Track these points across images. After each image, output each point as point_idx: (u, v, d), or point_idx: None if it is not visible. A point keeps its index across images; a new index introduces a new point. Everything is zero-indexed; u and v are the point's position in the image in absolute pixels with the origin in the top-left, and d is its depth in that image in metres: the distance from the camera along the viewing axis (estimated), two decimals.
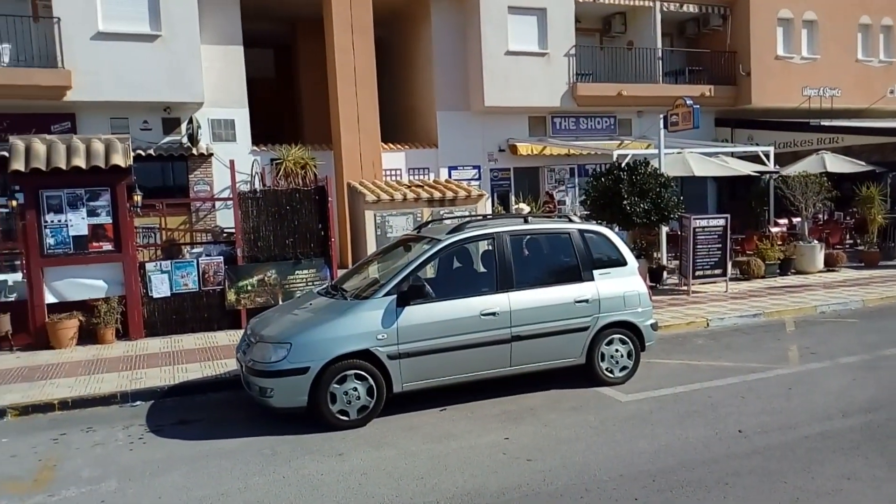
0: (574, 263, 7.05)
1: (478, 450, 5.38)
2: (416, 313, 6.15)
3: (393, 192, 14.02)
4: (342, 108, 16.31)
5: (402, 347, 6.06)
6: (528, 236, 7.27)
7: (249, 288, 10.04)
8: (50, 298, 9.19)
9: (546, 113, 19.37)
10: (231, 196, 10.29)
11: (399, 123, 19.87)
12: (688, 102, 13.78)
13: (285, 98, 21.25)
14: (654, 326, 7.40)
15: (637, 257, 9.92)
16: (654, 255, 13.54)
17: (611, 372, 7.04)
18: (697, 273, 12.20)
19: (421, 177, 17.87)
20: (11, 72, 13.98)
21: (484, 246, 7.18)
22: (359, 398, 5.93)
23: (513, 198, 18.99)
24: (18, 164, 8.86)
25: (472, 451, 5.36)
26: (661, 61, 20.16)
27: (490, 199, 18.68)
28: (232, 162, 10.76)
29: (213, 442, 5.76)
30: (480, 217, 8.98)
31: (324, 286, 7.70)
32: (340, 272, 9.21)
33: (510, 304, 6.52)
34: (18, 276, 9.85)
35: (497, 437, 5.65)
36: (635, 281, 7.27)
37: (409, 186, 15.03)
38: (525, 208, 14.22)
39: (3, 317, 9.00)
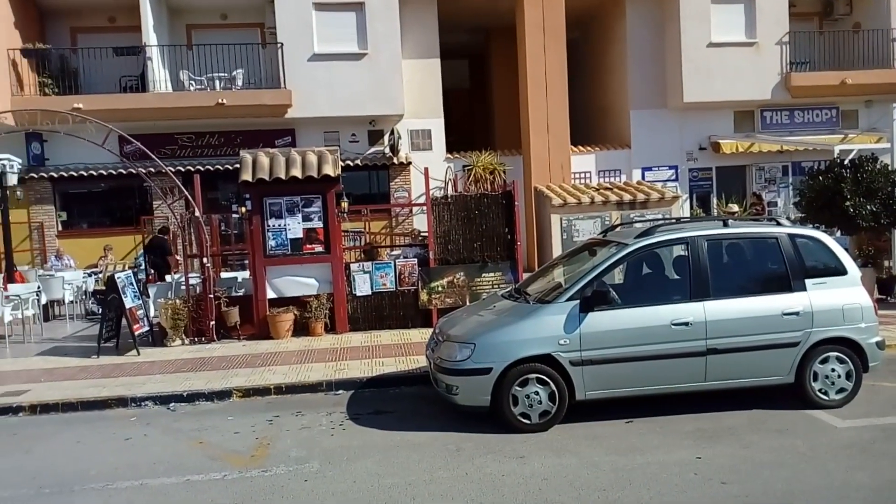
0: (782, 271, 6.40)
1: (666, 467, 5.09)
2: (600, 320, 5.98)
3: (580, 196, 13.80)
4: (532, 113, 16.41)
5: (585, 354, 5.93)
6: (729, 241, 6.74)
7: (440, 289, 10.48)
8: (270, 294, 10.32)
9: (754, 107, 17.88)
10: (425, 202, 10.81)
11: (589, 125, 19.51)
12: None
13: (478, 106, 21.87)
14: (881, 345, 6.46)
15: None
16: (885, 263, 11.84)
17: (825, 394, 6.28)
18: None
19: (611, 179, 17.40)
20: (244, 94, 15.99)
21: (676, 251, 6.78)
22: (540, 402, 5.90)
23: (714, 199, 17.77)
24: (247, 175, 10.09)
25: (660, 467, 5.09)
26: (895, 43, 17.62)
27: (688, 202, 17.65)
28: (426, 169, 11.31)
29: (403, 433, 6.09)
30: (674, 220, 8.51)
31: (508, 289, 7.79)
32: (526, 276, 9.25)
33: (705, 314, 6.09)
34: (246, 274, 11.21)
35: (688, 455, 5.31)
36: (857, 292, 6.42)
37: (597, 189, 14.70)
38: (736, 209, 13.23)
39: (233, 309, 10.29)
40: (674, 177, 17.87)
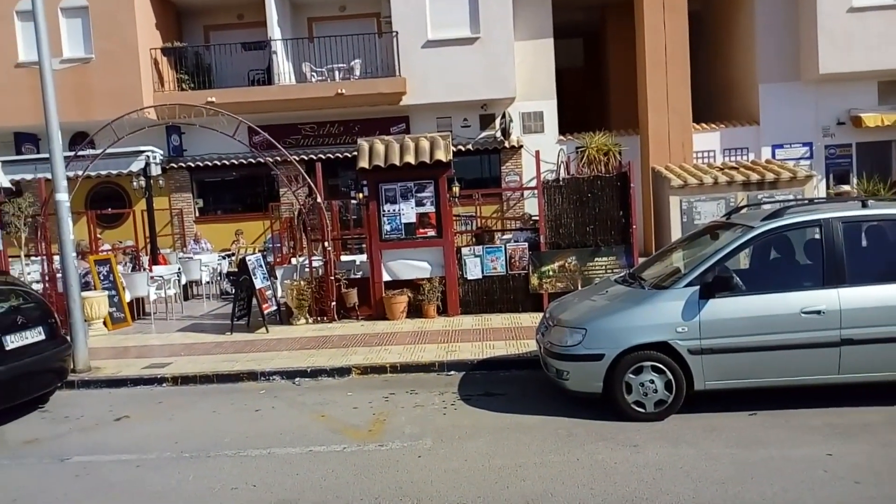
0: None
1: (792, 462, 4.81)
2: (722, 307, 5.70)
3: (702, 176, 13.16)
4: (650, 91, 15.79)
5: (705, 343, 5.68)
6: (868, 223, 6.20)
7: (551, 273, 10.39)
8: (386, 277, 10.67)
9: None
10: (535, 185, 10.72)
11: (713, 101, 18.49)
12: None
13: (593, 85, 21.32)
14: None
15: None
16: None
17: None
18: None
19: (737, 158, 16.43)
20: (361, 83, 16.49)
21: (808, 234, 6.32)
22: (656, 391, 5.74)
23: (854, 179, 16.36)
24: (364, 162, 10.44)
25: (785, 462, 4.81)
26: None
27: (824, 181, 16.38)
28: (537, 152, 11.20)
29: (513, 416, 6.13)
30: (806, 201, 7.93)
31: (621, 274, 7.60)
32: (641, 260, 8.97)
33: (840, 302, 5.65)
34: (364, 258, 11.64)
35: (817, 451, 4.98)
36: None
37: (721, 169, 13.95)
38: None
39: (352, 291, 10.74)
40: (808, 154, 16.61)
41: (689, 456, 5.02)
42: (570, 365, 5.97)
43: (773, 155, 16.48)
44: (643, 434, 5.49)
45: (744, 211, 7.36)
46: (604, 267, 10.26)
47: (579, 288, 9.74)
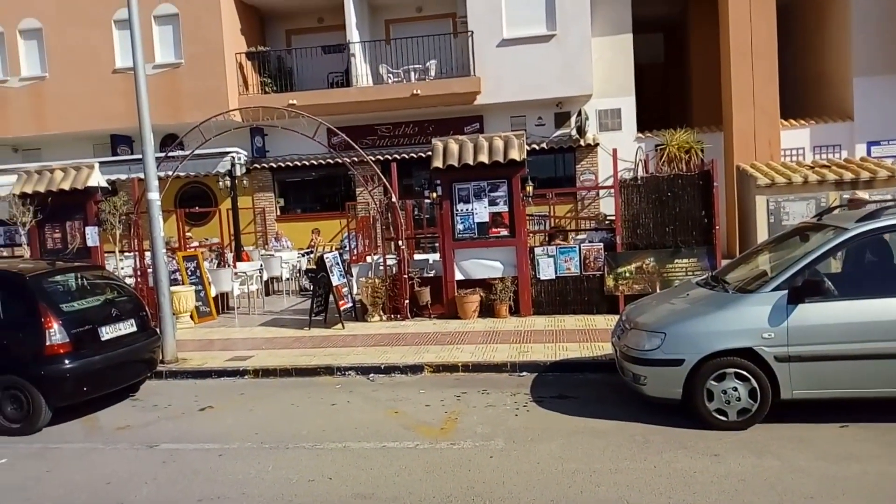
0: None
1: (888, 478, 4.51)
2: (812, 312, 5.41)
3: (791, 175, 12.54)
4: (735, 85, 15.17)
5: (793, 350, 5.40)
6: None
7: (627, 275, 10.14)
8: (458, 276, 10.70)
9: None
10: (612, 184, 10.49)
11: (802, 96, 17.57)
12: None
13: (674, 81, 20.69)
14: None
15: None
16: None
17: None
18: None
19: (829, 155, 15.56)
20: (436, 83, 16.60)
21: None
22: (739, 399, 5.50)
23: None
24: (438, 162, 10.51)
25: (880, 478, 4.52)
26: None
27: None
28: (614, 150, 10.96)
29: (587, 420, 6.03)
30: None
31: (703, 276, 7.33)
32: (724, 262, 8.64)
33: None
34: (436, 256, 11.72)
35: None
36: None
37: (811, 167, 13.25)
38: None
39: (424, 289, 10.83)
40: None
41: (774, 468, 4.79)
42: (648, 370, 5.81)
43: (869, 152, 15.50)
44: (725, 443, 5.28)
45: (836, 212, 6.96)
46: (684, 269, 9.94)
47: (657, 290, 9.47)
